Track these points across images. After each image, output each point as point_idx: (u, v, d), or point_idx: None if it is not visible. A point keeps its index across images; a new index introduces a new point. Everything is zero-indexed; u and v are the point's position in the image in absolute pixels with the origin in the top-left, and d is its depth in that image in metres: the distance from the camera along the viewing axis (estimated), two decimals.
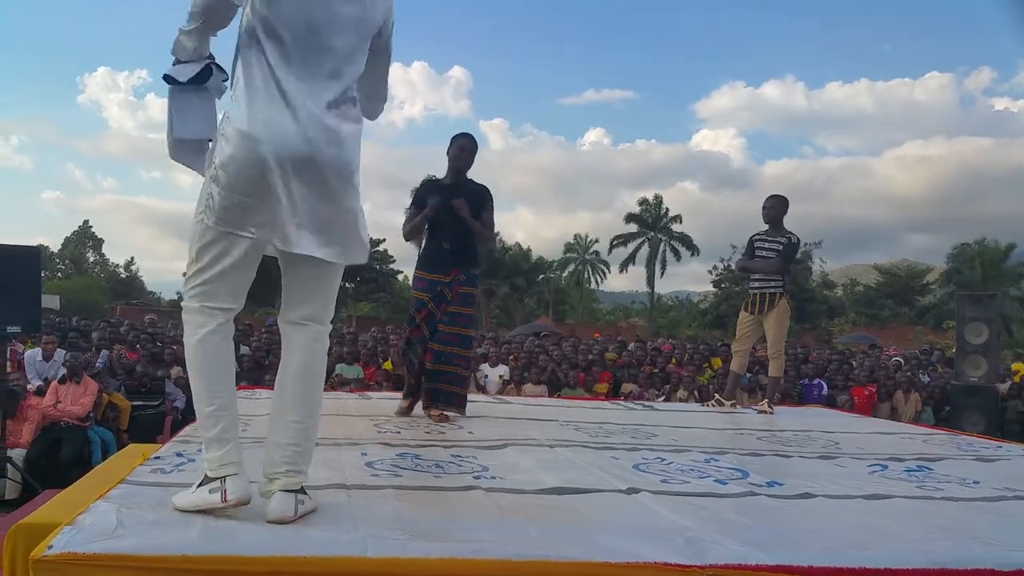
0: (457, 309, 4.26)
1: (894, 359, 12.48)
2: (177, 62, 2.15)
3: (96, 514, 1.92)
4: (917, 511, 2.60)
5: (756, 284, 5.72)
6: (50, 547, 1.67)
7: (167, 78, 2.13)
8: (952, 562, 1.94)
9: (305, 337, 2.20)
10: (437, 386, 4.22)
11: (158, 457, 2.81)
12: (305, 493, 2.11)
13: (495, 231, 4.43)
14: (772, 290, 5.63)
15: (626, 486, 2.69)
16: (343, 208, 2.14)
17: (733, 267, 37.60)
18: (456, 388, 4.30)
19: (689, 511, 2.38)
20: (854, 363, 11.05)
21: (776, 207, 5.76)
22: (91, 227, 52.17)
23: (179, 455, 2.85)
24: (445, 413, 4.17)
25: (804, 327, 31.71)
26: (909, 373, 10.48)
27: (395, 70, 2.55)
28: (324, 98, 2.08)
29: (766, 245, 5.72)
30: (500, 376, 9.01)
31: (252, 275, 2.17)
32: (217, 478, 2.00)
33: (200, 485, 2.03)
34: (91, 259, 50.75)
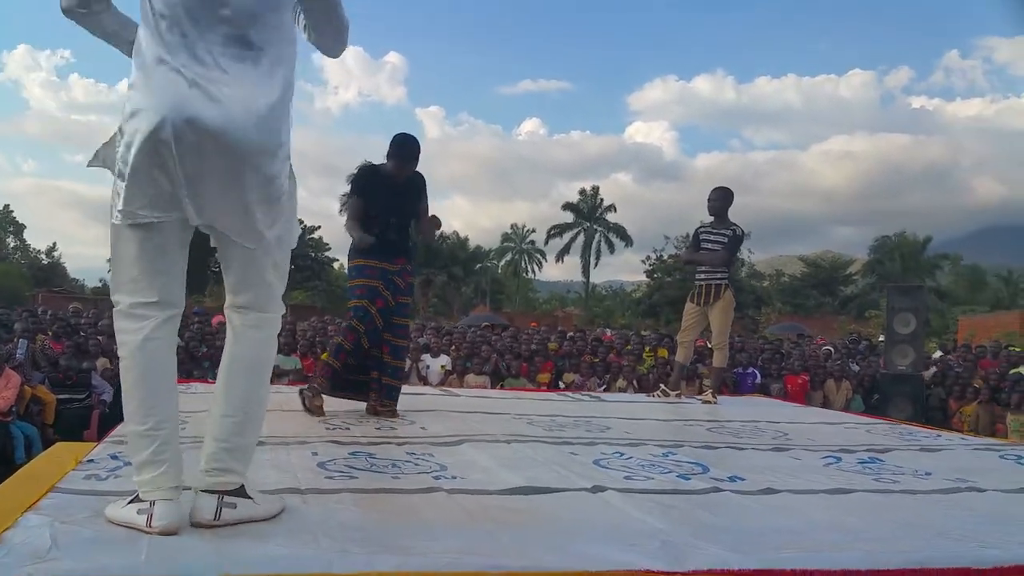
0: (407, 299, 4.14)
1: (824, 348, 12.84)
2: None
3: (27, 530, 1.74)
4: (880, 506, 2.59)
5: (702, 276, 5.75)
6: None
7: None
8: (928, 561, 1.92)
9: (243, 324, 2.04)
10: (395, 383, 4.08)
11: (91, 460, 2.61)
12: (243, 496, 1.94)
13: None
14: (717, 282, 5.67)
15: (591, 484, 2.61)
16: (240, 182, 1.90)
17: (666, 258, 38.18)
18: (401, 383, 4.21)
19: (659, 511, 2.32)
20: (783, 352, 11.29)
21: (721, 199, 5.80)
22: (12, 212, 49.68)
23: (114, 458, 2.65)
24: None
25: (734, 316, 32.39)
26: (839, 362, 10.78)
27: None
28: (223, 66, 1.87)
29: (711, 237, 5.75)
30: (442, 366, 8.89)
31: (181, 263, 1.98)
32: (147, 500, 1.83)
33: (131, 501, 1.86)
34: (12, 245, 48.31)
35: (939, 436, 4.46)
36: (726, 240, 5.67)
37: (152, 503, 1.81)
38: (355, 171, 4.15)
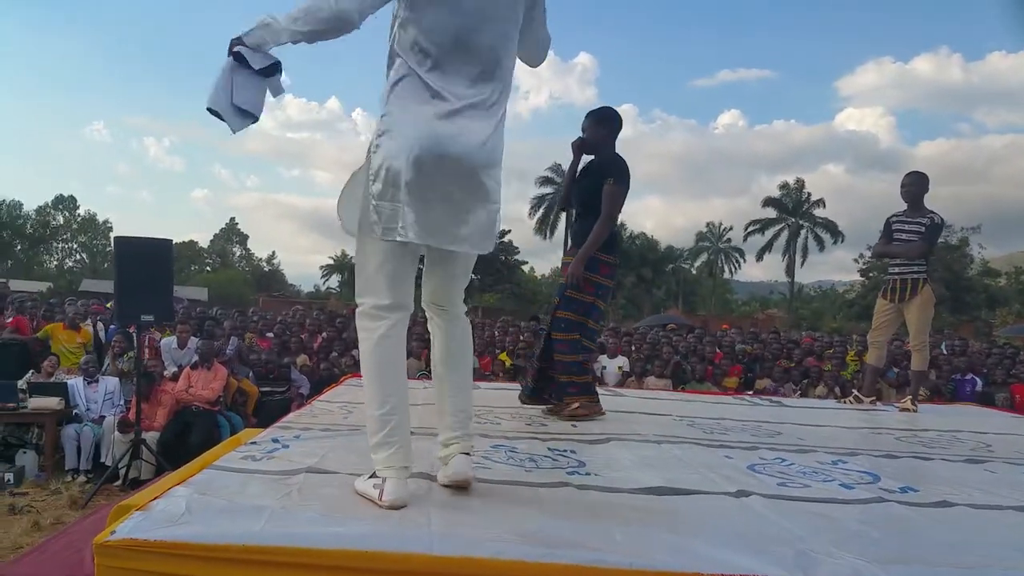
0: (569, 293, 3.98)
1: None
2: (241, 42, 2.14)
3: (169, 500, 1.91)
4: None
5: (896, 269, 5.24)
6: (114, 532, 1.66)
7: (238, 56, 2.14)
8: None
9: (449, 321, 2.34)
10: (561, 378, 4.06)
11: (254, 443, 2.82)
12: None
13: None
14: (915, 275, 5.14)
15: (735, 488, 2.44)
16: (479, 201, 2.17)
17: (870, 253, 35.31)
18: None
19: (805, 519, 2.12)
20: (1011, 357, 9.98)
21: (916, 184, 5.25)
22: (237, 224, 56.02)
23: (275, 441, 2.86)
24: None
25: (961, 319, 29.40)
26: None
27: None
28: (469, 99, 2.11)
29: (906, 227, 5.22)
30: (619, 368, 8.76)
31: (414, 271, 2.26)
32: (381, 477, 2.07)
33: (370, 476, 2.11)
34: (237, 253, 54.38)
35: None
36: (923, 230, 5.12)
37: (384, 480, 2.05)
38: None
